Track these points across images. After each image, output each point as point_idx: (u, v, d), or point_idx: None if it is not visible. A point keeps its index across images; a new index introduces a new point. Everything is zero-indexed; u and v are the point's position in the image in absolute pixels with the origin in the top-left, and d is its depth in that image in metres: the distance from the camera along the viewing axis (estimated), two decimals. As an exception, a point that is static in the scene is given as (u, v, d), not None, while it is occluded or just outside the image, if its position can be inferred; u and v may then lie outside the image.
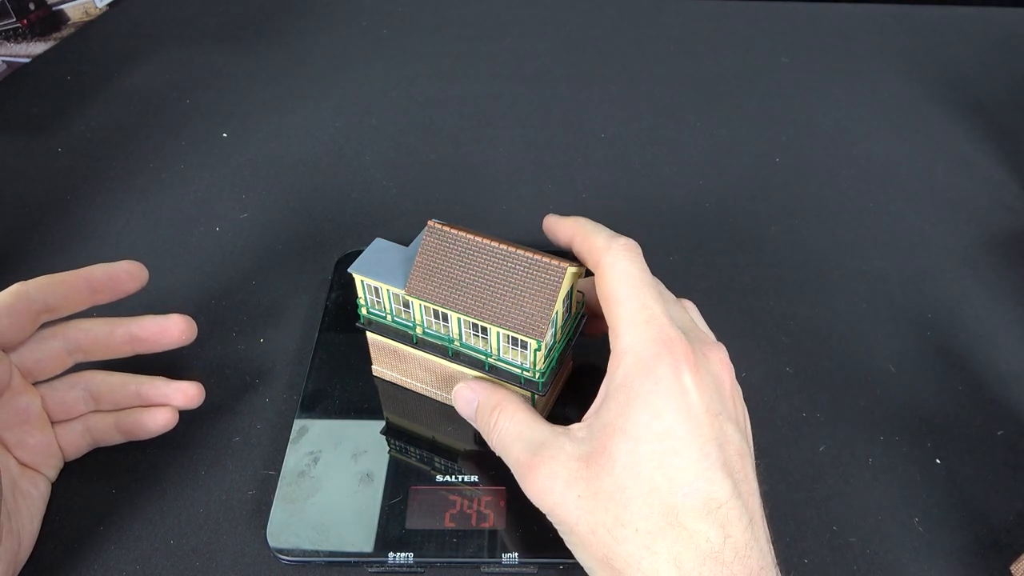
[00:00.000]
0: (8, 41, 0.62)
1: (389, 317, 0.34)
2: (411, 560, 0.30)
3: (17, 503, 0.31)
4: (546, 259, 0.29)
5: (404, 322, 0.33)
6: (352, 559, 0.31)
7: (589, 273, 0.32)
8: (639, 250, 0.30)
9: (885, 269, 0.45)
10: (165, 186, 0.51)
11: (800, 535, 0.33)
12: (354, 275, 0.33)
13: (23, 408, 0.32)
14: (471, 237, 0.30)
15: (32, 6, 0.63)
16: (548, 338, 0.31)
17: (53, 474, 0.34)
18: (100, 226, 0.47)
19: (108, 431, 0.34)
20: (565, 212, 0.32)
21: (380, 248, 0.34)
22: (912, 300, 0.44)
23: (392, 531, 0.31)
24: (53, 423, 0.34)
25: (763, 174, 0.52)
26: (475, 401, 0.32)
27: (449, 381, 0.34)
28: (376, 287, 0.33)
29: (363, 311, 0.34)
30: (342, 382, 0.37)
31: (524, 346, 0.30)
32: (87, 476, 0.35)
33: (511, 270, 0.30)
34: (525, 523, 0.32)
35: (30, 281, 0.32)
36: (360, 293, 0.33)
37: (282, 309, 0.42)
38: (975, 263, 0.46)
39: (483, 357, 0.32)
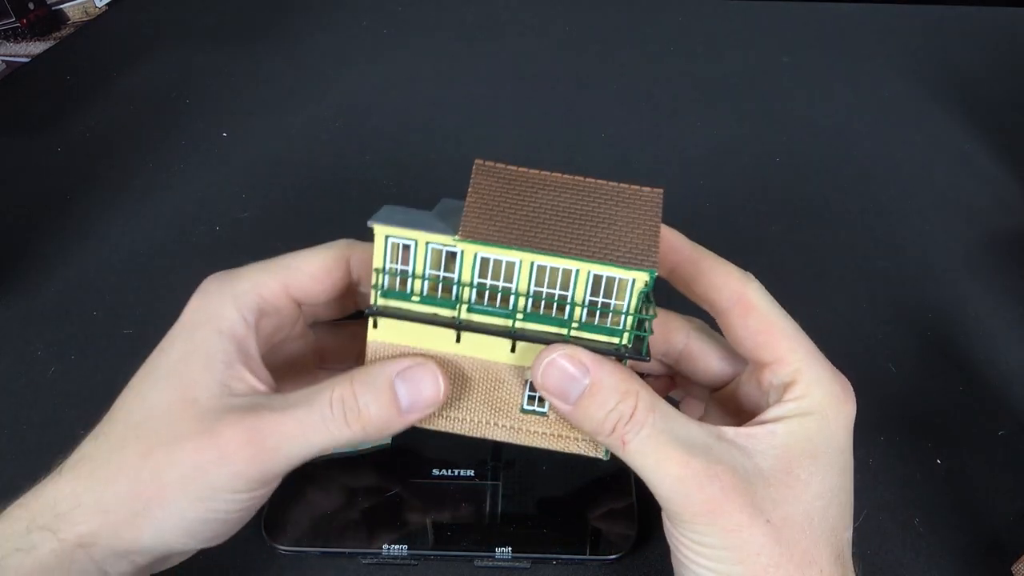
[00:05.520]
0: (8, 41, 0.62)
1: (416, 297, 0.25)
2: (405, 552, 0.31)
3: None
4: (632, 187, 0.25)
5: (441, 302, 0.25)
6: (347, 550, 0.31)
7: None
8: None
9: (885, 269, 0.45)
10: (165, 186, 0.50)
11: (800, 535, 0.33)
12: (375, 228, 0.24)
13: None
14: (534, 172, 0.25)
15: (32, 6, 0.63)
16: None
17: None
18: (100, 226, 0.47)
19: None
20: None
21: (396, 210, 0.26)
22: (912, 300, 0.44)
23: (387, 523, 0.31)
24: None
25: (763, 174, 0.52)
26: (584, 380, 0.23)
27: (497, 396, 0.26)
28: (408, 243, 0.24)
29: (378, 289, 0.25)
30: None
31: (623, 293, 0.24)
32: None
33: (593, 201, 0.25)
34: (519, 519, 0.32)
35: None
36: (378, 258, 0.24)
37: (282, 309, 0.42)
38: (975, 263, 0.46)
39: (561, 330, 0.24)
